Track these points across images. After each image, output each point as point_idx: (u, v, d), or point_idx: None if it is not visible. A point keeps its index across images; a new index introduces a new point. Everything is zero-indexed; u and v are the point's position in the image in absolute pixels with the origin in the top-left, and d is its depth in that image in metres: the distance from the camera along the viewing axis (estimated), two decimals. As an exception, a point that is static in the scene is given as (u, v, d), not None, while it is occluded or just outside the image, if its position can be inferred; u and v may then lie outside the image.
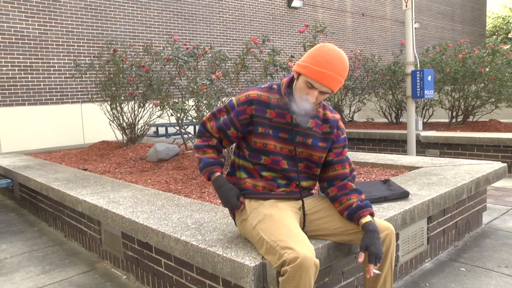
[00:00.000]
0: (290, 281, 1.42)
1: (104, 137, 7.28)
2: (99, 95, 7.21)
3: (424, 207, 2.40)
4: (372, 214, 1.70)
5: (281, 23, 10.28)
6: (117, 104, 5.63)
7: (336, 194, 1.77)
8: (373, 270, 1.60)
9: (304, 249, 1.44)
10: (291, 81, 1.75)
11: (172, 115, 4.51)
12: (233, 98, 1.77)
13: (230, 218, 2.17)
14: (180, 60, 4.38)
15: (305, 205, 1.81)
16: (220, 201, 2.70)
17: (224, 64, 4.19)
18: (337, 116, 1.82)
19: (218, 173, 1.76)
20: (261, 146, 1.71)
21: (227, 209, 2.29)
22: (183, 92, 4.88)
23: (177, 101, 4.49)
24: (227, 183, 1.75)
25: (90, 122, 7.19)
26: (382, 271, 1.70)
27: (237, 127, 1.73)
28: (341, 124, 1.82)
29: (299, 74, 1.66)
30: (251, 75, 4.09)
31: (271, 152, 1.71)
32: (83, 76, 7.10)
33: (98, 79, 7.12)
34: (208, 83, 3.62)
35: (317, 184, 2.40)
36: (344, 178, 1.80)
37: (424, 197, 2.47)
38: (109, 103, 5.73)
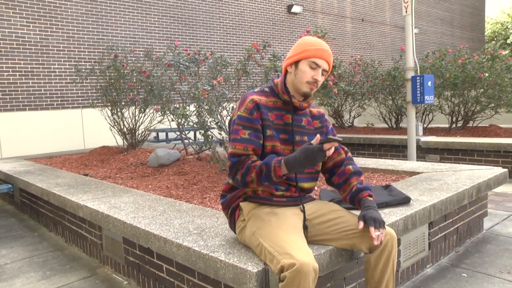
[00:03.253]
0: (289, 286, 1.43)
1: (105, 142, 7.28)
2: (100, 101, 7.22)
3: (425, 213, 2.40)
4: (371, 196, 1.76)
5: (281, 28, 10.32)
6: (118, 109, 5.63)
7: (339, 182, 1.85)
8: (375, 232, 1.61)
9: (302, 255, 1.45)
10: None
11: (173, 120, 4.51)
12: (238, 113, 1.73)
13: (232, 223, 2.16)
14: (181, 65, 4.40)
15: (306, 210, 1.82)
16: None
17: (225, 70, 4.21)
18: (322, 110, 1.92)
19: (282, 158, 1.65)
20: (271, 148, 1.74)
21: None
22: (184, 98, 4.89)
23: (178, 106, 4.49)
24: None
25: (90, 127, 7.20)
26: (384, 277, 1.70)
27: (261, 132, 1.73)
28: (326, 116, 1.98)
29: (296, 64, 1.74)
30: (252, 80, 4.10)
31: (279, 153, 1.74)
32: (84, 81, 7.12)
33: (98, 84, 7.13)
34: (209, 88, 3.65)
35: (316, 184, 2.41)
36: (341, 163, 1.87)
37: (425, 202, 2.47)
38: (109, 108, 5.74)
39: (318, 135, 1.60)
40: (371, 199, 1.75)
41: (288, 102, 1.77)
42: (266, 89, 1.80)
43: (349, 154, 1.92)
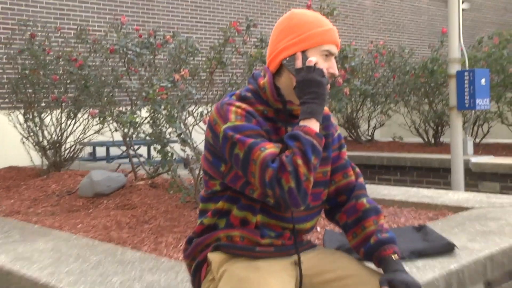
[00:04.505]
0: None
1: (13, 161, 7.16)
2: (7, 100, 7.13)
3: (478, 267, 2.39)
4: (396, 253, 1.77)
5: (272, 1, 10.41)
6: (35, 114, 5.56)
7: (347, 223, 1.86)
8: None
9: None
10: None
11: (116, 130, 4.47)
12: (228, 124, 1.70)
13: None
14: (129, 52, 4.38)
15: (304, 263, 1.79)
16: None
17: (192, 59, 4.23)
18: (326, 108, 1.90)
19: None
20: None
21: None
22: (134, 98, 4.85)
23: (124, 110, 4.46)
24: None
25: (-6, 139, 7.09)
26: None
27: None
28: (333, 119, 1.91)
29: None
30: (230, 74, 4.13)
31: None
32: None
33: (5, 76, 7.05)
34: (169, 85, 3.63)
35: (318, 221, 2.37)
36: (350, 191, 1.89)
37: (478, 251, 2.47)
38: (22, 111, 5.66)
39: (310, 60, 1.71)
40: (397, 258, 1.76)
41: (282, 110, 1.80)
42: (248, 94, 1.81)
43: (362, 179, 1.92)
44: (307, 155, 1.60)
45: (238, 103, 1.75)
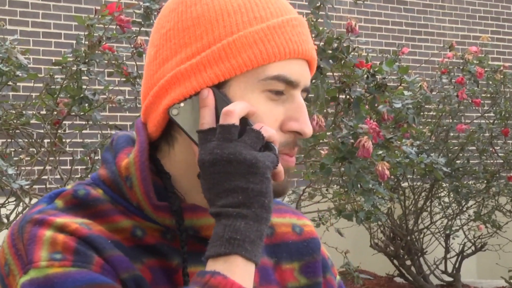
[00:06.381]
0: None
1: None
2: None
3: None
4: None
5: None
6: None
7: None
8: None
9: None
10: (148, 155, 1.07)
11: None
12: (22, 280, 0.90)
13: None
14: None
15: None
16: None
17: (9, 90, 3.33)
18: (307, 223, 1.21)
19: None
20: None
21: None
22: None
23: None
24: None
25: None
26: None
27: None
28: (324, 251, 1.21)
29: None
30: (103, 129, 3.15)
31: None
32: None
33: None
34: None
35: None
36: None
37: None
38: None
39: (229, 108, 0.93)
40: None
41: (176, 228, 1.02)
42: (95, 192, 1.00)
43: None
44: None
45: (61, 219, 0.95)
